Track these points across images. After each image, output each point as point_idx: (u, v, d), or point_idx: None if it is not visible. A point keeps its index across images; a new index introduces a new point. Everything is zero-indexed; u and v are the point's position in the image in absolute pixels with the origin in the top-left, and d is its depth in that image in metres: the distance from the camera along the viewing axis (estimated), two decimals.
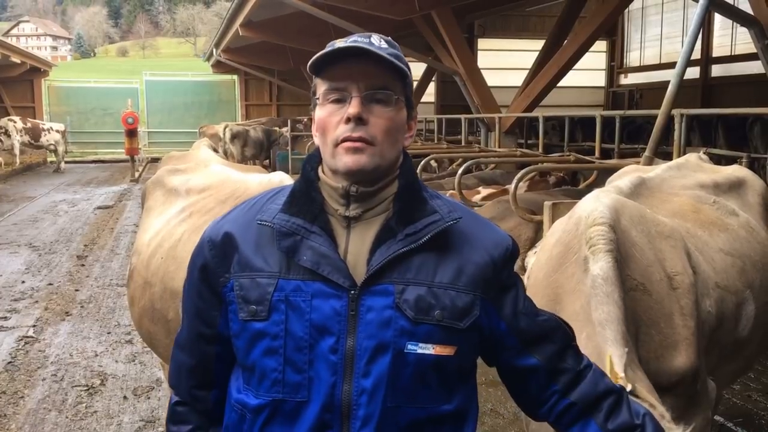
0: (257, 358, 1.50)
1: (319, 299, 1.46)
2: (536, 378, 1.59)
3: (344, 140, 1.46)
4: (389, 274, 1.47)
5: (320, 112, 1.51)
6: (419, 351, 1.46)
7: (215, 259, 1.57)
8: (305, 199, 1.53)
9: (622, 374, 1.77)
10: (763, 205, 3.15)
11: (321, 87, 1.52)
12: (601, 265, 2.23)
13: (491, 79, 13.82)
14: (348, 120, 1.46)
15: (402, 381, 1.46)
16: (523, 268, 7.11)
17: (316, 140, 1.55)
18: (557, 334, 1.60)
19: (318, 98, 1.52)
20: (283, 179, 2.82)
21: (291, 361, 1.47)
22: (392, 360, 1.45)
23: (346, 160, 1.47)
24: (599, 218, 2.34)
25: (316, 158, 1.58)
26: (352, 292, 1.46)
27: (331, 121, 1.48)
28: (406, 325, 1.45)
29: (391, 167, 1.54)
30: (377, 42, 1.49)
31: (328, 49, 1.47)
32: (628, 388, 1.68)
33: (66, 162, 23.52)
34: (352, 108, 1.46)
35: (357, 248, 1.50)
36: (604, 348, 2.03)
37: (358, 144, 1.46)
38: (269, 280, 1.49)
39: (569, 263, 2.40)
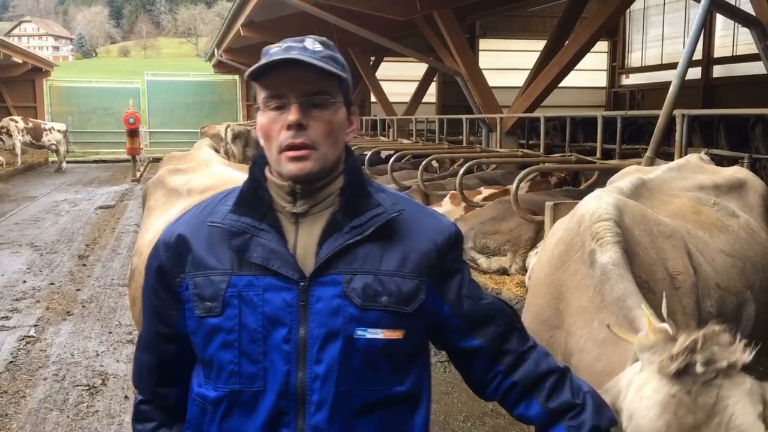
0: (214, 352, 1.57)
1: (271, 293, 1.53)
2: (481, 359, 1.66)
3: (287, 147, 1.53)
4: (336, 265, 1.54)
5: (262, 119, 1.58)
6: (368, 336, 1.53)
7: (170, 261, 1.63)
8: (253, 198, 1.61)
9: (661, 324, 1.74)
10: (763, 207, 3.15)
11: (260, 94, 1.59)
12: (610, 254, 2.25)
13: (492, 79, 13.81)
14: (289, 127, 1.52)
15: (353, 365, 1.53)
16: (525, 269, 7.12)
17: (261, 143, 1.62)
18: (500, 317, 1.67)
19: (258, 106, 1.60)
20: None
21: (246, 353, 1.54)
22: (342, 346, 1.52)
23: (290, 167, 1.54)
24: (604, 214, 2.35)
25: (262, 159, 1.65)
26: (302, 283, 1.53)
27: (273, 128, 1.55)
28: (355, 312, 1.52)
29: (335, 165, 1.61)
30: (311, 46, 1.56)
31: (264, 60, 1.54)
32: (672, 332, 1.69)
33: (67, 162, 23.54)
34: (292, 115, 1.52)
35: (306, 242, 1.57)
36: (632, 314, 2.03)
37: (301, 152, 1.53)
38: (222, 277, 1.56)
39: (572, 260, 2.40)
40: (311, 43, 1.56)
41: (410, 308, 1.56)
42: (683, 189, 2.90)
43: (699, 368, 1.47)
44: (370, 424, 1.56)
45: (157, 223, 3.34)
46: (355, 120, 1.69)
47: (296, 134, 1.52)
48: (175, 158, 4.24)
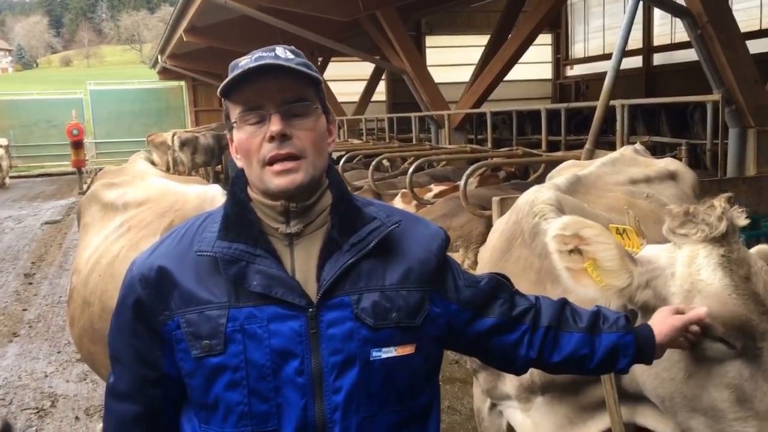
0: (219, 393, 1.44)
1: (276, 323, 1.42)
2: (502, 332, 1.64)
3: (272, 159, 1.44)
4: (342, 286, 1.45)
5: (240, 135, 1.47)
6: (384, 356, 1.45)
7: (150, 297, 1.50)
8: (242, 222, 1.48)
9: (670, 208, 1.87)
10: (693, 197, 3.22)
11: (235, 110, 1.48)
12: (555, 223, 2.25)
13: (441, 75, 13.87)
14: (272, 138, 1.43)
15: (373, 389, 1.45)
16: (477, 263, 7.17)
17: (239, 163, 1.52)
18: (501, 289, 1.67)
19: (235, 121, 1.48)
20: (216, 194, 2.78)
21: (255, 391, 1.42)
22: (360, 371, 1.44)
23: (278, 182, 1.44)
24: (546, 199, 2.38)
25: (242, 179, 1.54)
26: (310, 310, 1.43)
27: (253, 143, 1.45)
28: (368, 333, 1.44)
29: (322, 177, 1.53)
30: (283, 54, 1.47)
31: (238, 71, 1.43)
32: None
33: (11, 177, 22.89)
34: (274, 126, 1.42)
35: (304, 265, 1.48)
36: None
37: (289, 165, 1.43)
38: (219, 311, 1.43)
39: (514, 248, 2.43)
40: (282, 51, 1.47)
41: (418, 321, 1.50)
42: (617, 183, 2.95)
43: (740, 222, 1.69)
44: None
45: (95, 239, 3.26)
46: (334, 130, 1.60)
47: (281, 145, 1.43)
48: (110, 173, 4.15)
